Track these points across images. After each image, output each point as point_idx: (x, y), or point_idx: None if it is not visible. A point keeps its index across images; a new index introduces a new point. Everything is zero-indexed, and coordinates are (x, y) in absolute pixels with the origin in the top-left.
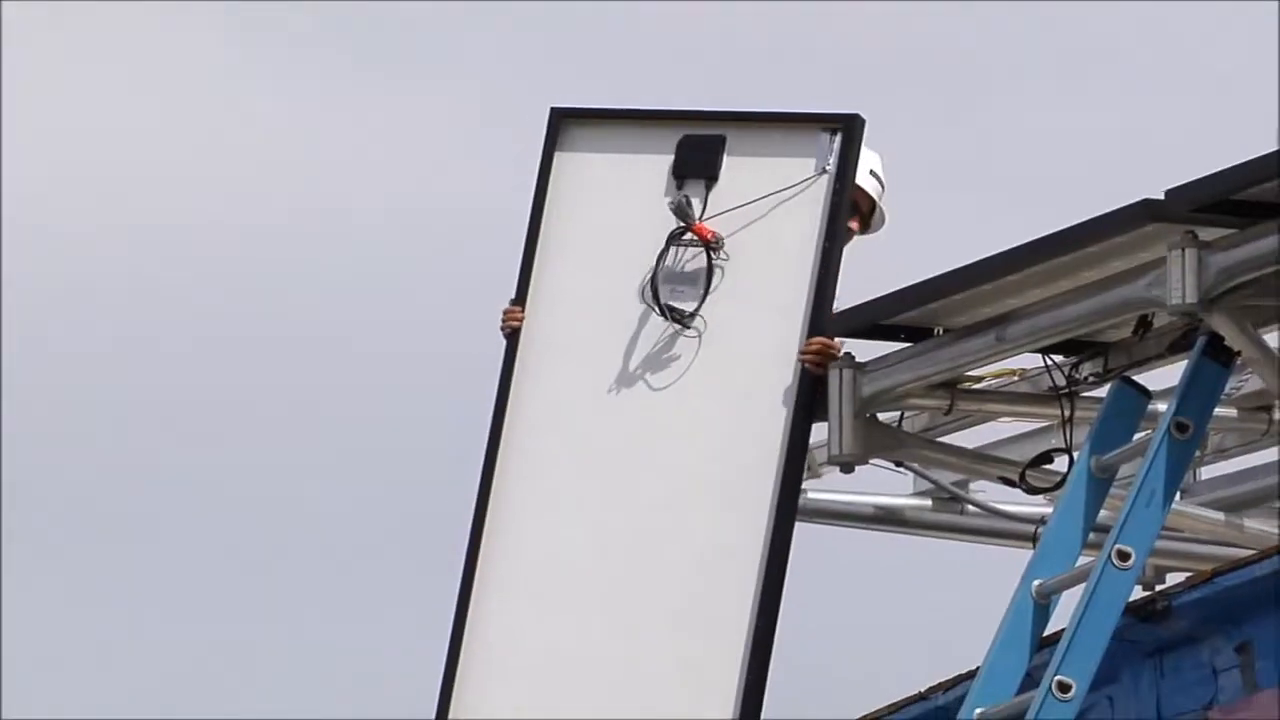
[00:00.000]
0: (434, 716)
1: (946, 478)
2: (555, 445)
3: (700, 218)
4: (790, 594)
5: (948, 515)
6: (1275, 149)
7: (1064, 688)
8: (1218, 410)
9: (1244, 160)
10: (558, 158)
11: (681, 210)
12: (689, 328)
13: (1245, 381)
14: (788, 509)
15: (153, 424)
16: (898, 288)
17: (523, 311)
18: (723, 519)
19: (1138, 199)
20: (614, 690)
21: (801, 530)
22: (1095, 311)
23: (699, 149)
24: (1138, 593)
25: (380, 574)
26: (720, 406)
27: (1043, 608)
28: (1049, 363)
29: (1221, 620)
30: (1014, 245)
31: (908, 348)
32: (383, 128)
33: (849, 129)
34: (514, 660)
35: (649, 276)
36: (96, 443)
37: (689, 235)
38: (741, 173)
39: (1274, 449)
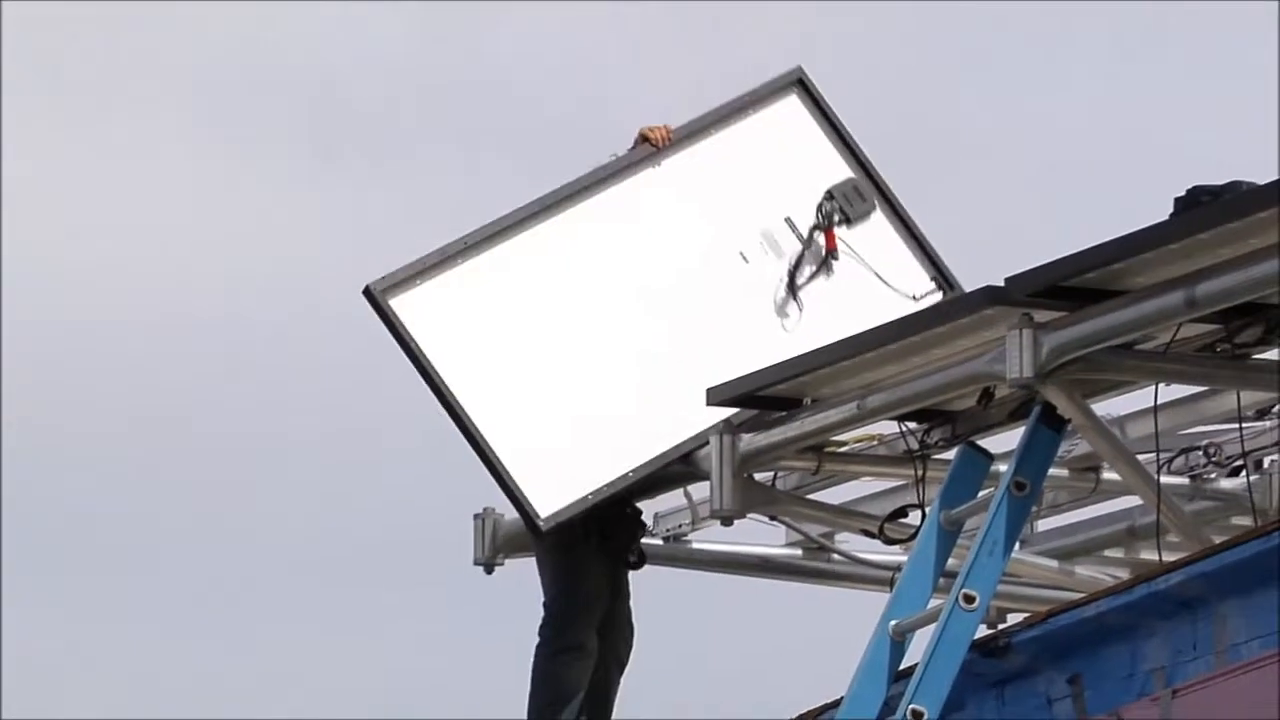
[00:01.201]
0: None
1: (815, 530)
2: (614, 247)
3: (832, 227)
4: (675, 633)
5: (816, 563)
6: (1098, 243)
7: (917, 715)
8: (1051, 471)
9: (1073, 252)
10: (788, 96)
11: (827, 212)
12: (794, 285)
13: (1075, 446)
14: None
15: (152, 438)
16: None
17: (670, 139)
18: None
19: (979, 286)
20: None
21: (684, 576)
22: (944, 384)
23: (861, 194)
24: (982, 631)
25: (376, 585)
26: (750, 329)
27: (898, 644)
28: (904, 429)
29: (1055, 655)
30: (873, 326)
31: (781, 415)
32: (349, 221)
33: (956, 293)
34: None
35: (815, 225)
36: (98, 453)
37: (819, 232)
38: (870, 236)
39: (1100, 504)
